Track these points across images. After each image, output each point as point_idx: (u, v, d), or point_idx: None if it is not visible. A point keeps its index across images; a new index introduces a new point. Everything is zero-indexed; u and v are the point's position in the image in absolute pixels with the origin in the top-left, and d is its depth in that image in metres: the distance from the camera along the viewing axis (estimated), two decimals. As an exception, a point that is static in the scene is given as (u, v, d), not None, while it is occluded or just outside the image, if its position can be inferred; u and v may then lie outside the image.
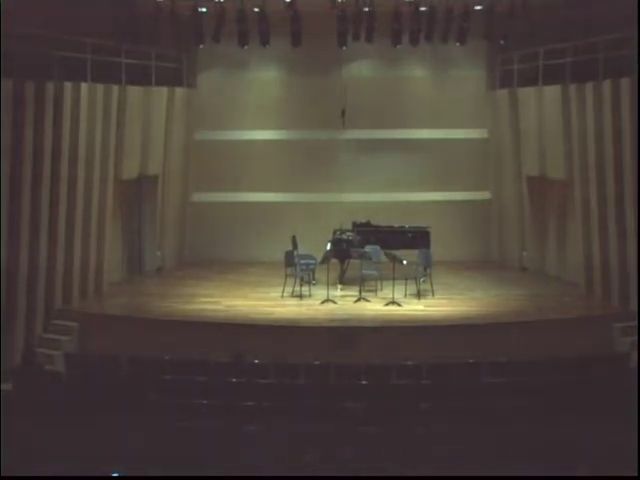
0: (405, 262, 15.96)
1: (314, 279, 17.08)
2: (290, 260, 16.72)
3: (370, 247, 16.76)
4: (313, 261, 16.78)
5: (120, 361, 13.10)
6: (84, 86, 15.67)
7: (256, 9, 16.29)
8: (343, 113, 18.60)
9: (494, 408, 11.21)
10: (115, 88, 16.61)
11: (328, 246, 17.06)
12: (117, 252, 17.83)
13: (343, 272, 17.24)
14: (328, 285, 16.28)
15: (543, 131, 17.74)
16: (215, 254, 18.88)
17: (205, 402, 11.31)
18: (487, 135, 19.71)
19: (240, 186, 19.24)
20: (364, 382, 12.48)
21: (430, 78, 19.80)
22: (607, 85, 15.57)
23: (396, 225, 17.71)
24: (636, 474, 9.08)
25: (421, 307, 15.97)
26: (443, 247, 17.80)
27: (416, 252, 16.84)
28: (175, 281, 17.89)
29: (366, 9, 16.23)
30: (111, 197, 16.84)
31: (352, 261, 17.17)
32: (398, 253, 16.16)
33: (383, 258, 16.52)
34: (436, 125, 19.53)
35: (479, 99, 19.57)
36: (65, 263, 15.64)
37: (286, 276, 16.72)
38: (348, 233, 17.45)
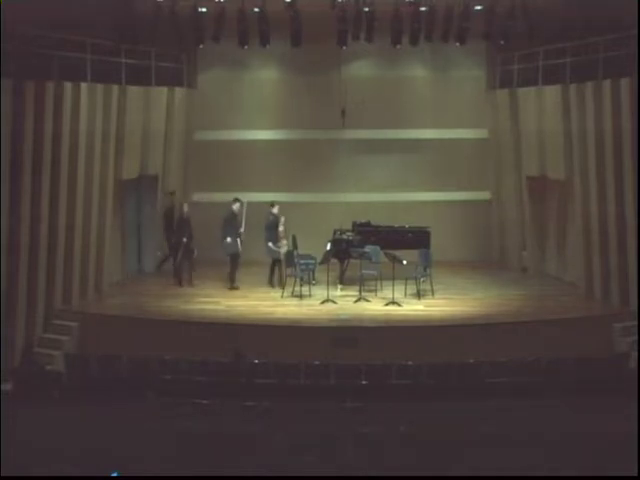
0: (405, 262, 15.97)
1: (314, 279, 17.08)
2: (290, 260, 16.73)
3: (370, 247, 16.76)
4: (313, 261, 16.80)
5: (120, 361, 13.10)
6: (84, 86, 15.67)
7: (256, 9, 16.28)
8: (343, 113, 18.61)
9: (494, 408, 11.21)
10: (115, 88, 16.62)
11: (328, 246, 17.06)
12: (117, 252, 17.84)
13: (343, 272, 17.25)
14: (328, 285, 16.30)
15: (543, 131, 17.73)
16: (215, 254, 18.85)
17: (205, 402, 11.31)
18: (487, 135, 19.71)
19: (240, 186, 19.22)
20: (364, 382, 12.48)
21: (430, 78, 19.80)
22: (607, 85, 15.57)
23: (396, 225, 17.72)
24: (636, 474, 9.08)
25: (421, 307, 15.98)
26: (443, 247, 17.81)
27: (416, 252, 16.86)
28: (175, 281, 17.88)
29: (366, 9, 16.22)
30: (111, 197, 16.86)
31: (352, 261, 17.17)
32: (398, 253, 16.17)
33: (383, 258, 16.52)
34: (436, 125, 19.54)
35: (479, 99, 19.57)
36: (65, 263, 15.65)
37: (286, 276, 16.73)
38: (348, 233, 17.46)
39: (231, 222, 16.95)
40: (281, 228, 17.08)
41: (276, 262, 17.08)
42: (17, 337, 14.71)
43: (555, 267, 18.34)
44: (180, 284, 17.24)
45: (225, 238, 16.85)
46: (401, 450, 10.14)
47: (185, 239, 17.05)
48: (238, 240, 16.92)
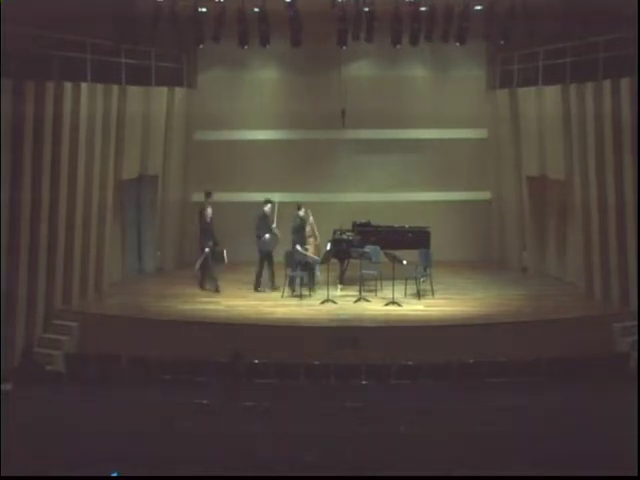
0: (405, 262, 15.97)
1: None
2: (290, 260, 16.71)
3: (370, 247, 16.76)
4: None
5: (120, 361, 13.09)
6: (84, 86, 15.67)
7: (256, 9, 16.29)
8: (343, 113, 18.60)
9: (494, 408, 11.20)
10: (115, 88, 16.63)
11: (328, 246, 17.05)
12: (117, 252, 17.84)
13: (343, 272, 17.25)
14: (328, 285, 16.30)
15: (543, 131, 17.74)
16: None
17: (205, 402, 11.31)
18: (487, 135, 19.71)
19: (240, 186, 19.24)
20: (364, 382, 12.47)
21: (430, 78, 19.79)
22: (607, 85, 15.57)
23: (396, 225, 17.71)
24: (636, 474, 9.09)
25: (421, 307, 15.98)
26: (443, 247, 17.80)
27: (416, 252, 16.86)
28: (175, 281, 17.89)
29: (366, 9, 16.22)
30: (111, 197, 16.85)
31: (352, 261, 17.17)
32: (398, 253, 16.16)
33: (383, 258, 16.52)
34: (436, 125, 19.53)
35: (479, 99, 19.56)
36: (65, 263, 15.65)
37: (286, 276, 16.74)
38: (348, 233, 17.46)
39: (265, 222, 16.77)
40: (308, 228, 16.95)
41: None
42: (17, 337, 14.71)
43: (555, 267, 18.33)
44: (202, 287, 16.98)
45: (261, 237, 16.70)
46: (401, 450, 10.14)
47: (207, 248, 16.60)
48: (275, 232, 16.76)
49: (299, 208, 17.01)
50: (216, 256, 16.81)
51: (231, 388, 11.97)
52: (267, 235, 16.69)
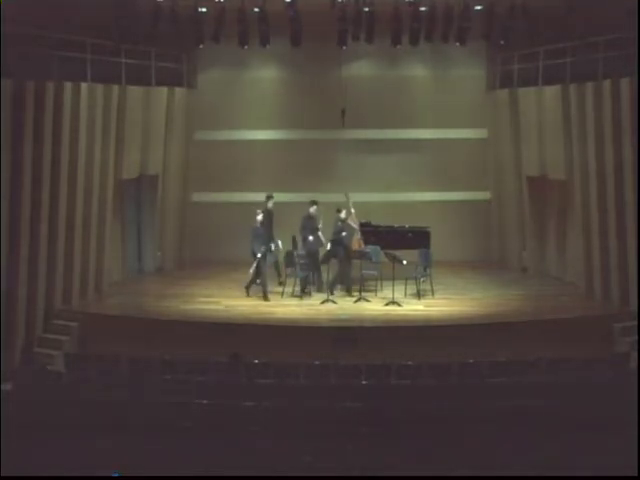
0: (405, 262, 15.96)
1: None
2: (290, 260, 16.72)
3: (370, 247, 16.76)
4: (313, 261, 16.80)
5: (120, 361, 13.10)
6: (84, 86, 15.68)
7: (256, 9, 16.31)
8: (343, 113, 18.59)
9: (494, 408, 11.20)
10: (115, 88, 16.64)
11: (328, 246, 17.04)
12: (117, 252, 17.84)
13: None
14: (328, 285, 16.27)
15: (543, 131, 17.74)
16: (215, 254, 18.90)
17: (205, 402, 11.31)
18: (487, 135, 19.71)
19: (240, 186, 19.24)
20: (364, 382, 12.48)
21: (430, 78, 19.79)
22: (607, 85, 15.58)
23: (396, 225, 17.71)
24: (636, 474, 9.09)
25: (421, 307, 15.98)
26: (443, 247, 17.79)
27: (416, 252, 16.85)
28: (175, 281, 17.89)
29: (366, 9, 16.23)
30: (111, 197, 16.86)
31: (352, 261, 17.16)
32: (398, 253, 16.16)
33: (383, 258, 16.52)
34: (436, 125, 19.53)
35: (479, 99, 19.57)
36: (65, 263, 15.66)
37: (286, 276, 16.73)
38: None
39: (310, 223, 16.64)
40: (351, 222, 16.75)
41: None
42: (17, 337, 14.71)
43: (555, 267, 18.33)
44: (266, 298, 16.31)
45: (306, 238, 16.54)
46: (401, 450, 10.15)
47: (259, 254, 16.06)
48: (320, 235, 16.58)
49: (339, 211, 16.68)
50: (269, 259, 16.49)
51: (231, 388, 11.98)
52: (310, 237, 16.51)
